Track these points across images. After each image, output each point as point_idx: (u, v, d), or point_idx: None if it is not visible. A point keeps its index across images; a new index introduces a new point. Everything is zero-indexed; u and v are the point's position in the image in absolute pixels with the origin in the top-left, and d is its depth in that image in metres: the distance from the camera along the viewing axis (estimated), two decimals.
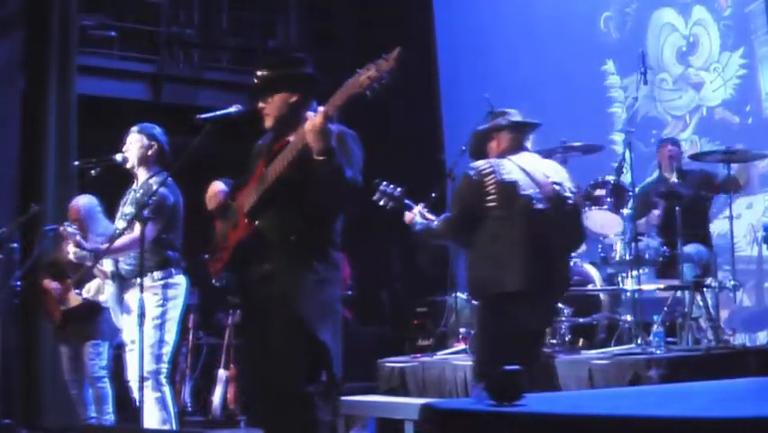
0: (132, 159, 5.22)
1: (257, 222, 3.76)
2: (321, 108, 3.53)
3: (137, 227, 4.88)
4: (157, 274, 5.08)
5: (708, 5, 7.80)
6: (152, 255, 5.05)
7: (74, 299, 6.23)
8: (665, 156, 6.77)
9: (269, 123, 3.85)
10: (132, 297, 5.03)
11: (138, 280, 4.86)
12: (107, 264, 5.23)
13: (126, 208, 5.24)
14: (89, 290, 6.15)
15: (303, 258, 3.70)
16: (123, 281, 5.17)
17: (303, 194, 3.67)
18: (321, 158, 3.50)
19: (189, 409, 8.13)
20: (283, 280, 3.69)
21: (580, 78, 8.60)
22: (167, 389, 5.04)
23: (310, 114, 3.56)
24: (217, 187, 3.95)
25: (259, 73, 3.90)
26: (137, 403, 4.79)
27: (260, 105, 3.86)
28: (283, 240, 3.71)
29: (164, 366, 5.04)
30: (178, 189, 5.23)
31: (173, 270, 5.15)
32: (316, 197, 3.64)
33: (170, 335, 5.10)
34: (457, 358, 6.40)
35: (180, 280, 5.19)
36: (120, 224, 5.23)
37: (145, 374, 4.85)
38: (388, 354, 6.92)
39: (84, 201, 6.39)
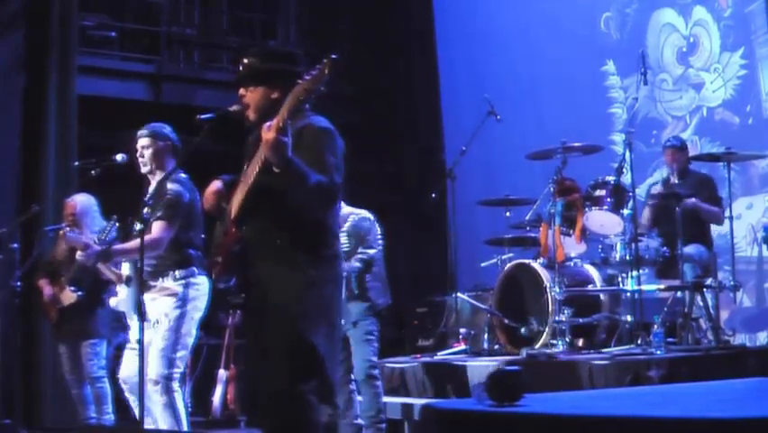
0: (149, 164, 5.02)
1: (243, 228, 3.72)
2: (272, 122, 3.41)
3: (153, 227, 4.80)
4: (178, 273, 4.90)
5: (709, 6, 7.80)
6: (171, 254, 4.89)
7: (68, 296, 6.21)
8: (667, 159, 6.75)
9: (252, 117, 3.77)
10: (148, 299, 4.82)
11: (159, 281, 4.80)
12: (125, 268, 5.06)
13: (146, 209, 4.97)
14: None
15: (292, 261, 3.64)
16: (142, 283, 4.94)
17: (280, 198, 3.62)
18: (278, 170, 3.44)
19: (190, 409, 8.11)
20: (273, 284, 3.65)
21: (581, 79, 8.60)
22: (178, 394, 4.85)
23: (265, 127, 3.44)
24: (214, 187, 3.89)
25: (245, 61, 3.81)
26: (146, 406, 4.63)
27: (241, 91, 3.78)
28: (269, 245, 3.67)
29: (177, 371, 4.85)
30: (194, 186, 5.00)
31: (195, 269, 4.95)
32: (289, 202, 3.60)
33: (188, 339, 4.90)
34: (457, 358, 6.40)
35: (202, 280, 4.96)
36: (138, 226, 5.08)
37: (156, 378, 4.75)
38: (388, 354, 6.91)
39: (81, 198, 6.38)
